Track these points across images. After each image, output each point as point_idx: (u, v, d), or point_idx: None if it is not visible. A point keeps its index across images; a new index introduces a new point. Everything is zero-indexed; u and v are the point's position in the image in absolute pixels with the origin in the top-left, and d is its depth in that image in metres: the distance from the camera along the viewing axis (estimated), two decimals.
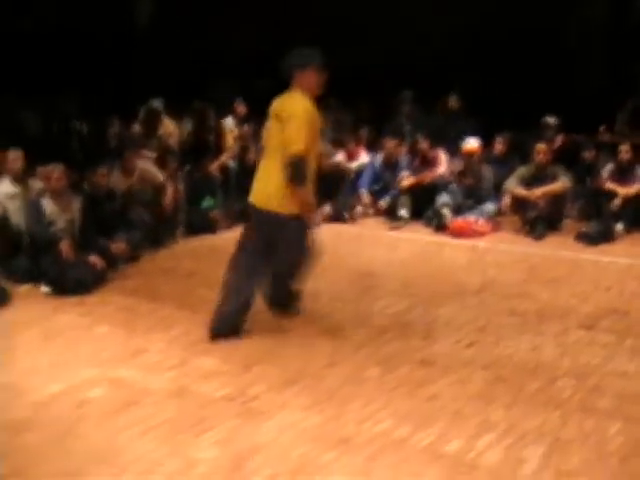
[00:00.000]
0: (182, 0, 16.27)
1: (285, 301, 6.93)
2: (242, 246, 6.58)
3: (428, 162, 11.94)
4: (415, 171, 11.85)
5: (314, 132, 6.19)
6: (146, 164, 10.33)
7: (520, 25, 14.00)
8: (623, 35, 14.22)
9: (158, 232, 9.98)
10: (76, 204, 8.58)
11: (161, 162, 10.81)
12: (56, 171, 8.44)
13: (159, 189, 10.16)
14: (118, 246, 8.80)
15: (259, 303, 6.83)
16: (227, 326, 6.48)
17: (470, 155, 11.24)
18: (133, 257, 9.14)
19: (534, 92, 13.39)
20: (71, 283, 7.85)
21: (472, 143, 11.27)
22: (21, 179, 8.99)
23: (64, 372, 5.81)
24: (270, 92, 6.36)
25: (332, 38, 15.35)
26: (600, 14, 14.66)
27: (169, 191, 10.19)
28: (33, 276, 8.15)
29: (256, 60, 15.76)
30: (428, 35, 14.55)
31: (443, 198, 11.11)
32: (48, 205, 8.40)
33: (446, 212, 10.91)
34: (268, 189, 6.31)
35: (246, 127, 12.95)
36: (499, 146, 12.09)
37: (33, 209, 8.42)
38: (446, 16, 14.50)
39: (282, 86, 6.23)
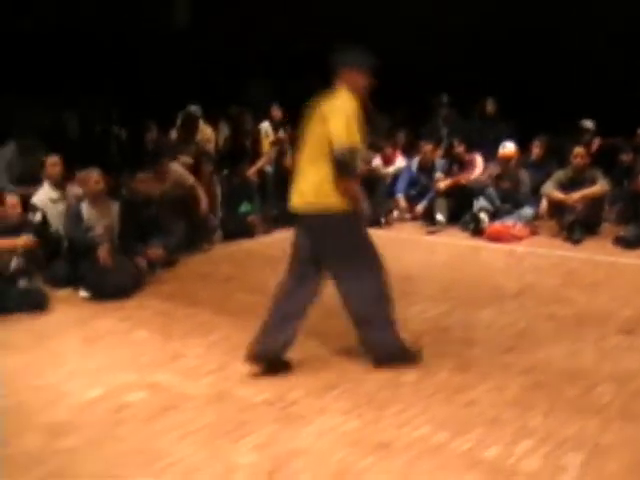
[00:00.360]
0: (220, 3, 16.30)
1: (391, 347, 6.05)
2: (289, 267, 6.03)
3: (464, 166, 11.93)
4: (451, 175, 11.84)
5: (358, 129, 5.70)
6: (175, 166, 10.33)
7: (553, 27, 13.94)
8: None
9: (194, 236, 10.03)
10: (114, 209, 8.63)
11: (196, 167, 10.85)
12: (94, 175, 8.50)
13: (191, 192, 10.16)
14: (155, 251, 8.84)
15: None
16: (268, 356, 5.90)
17: (507, 159, 11.21)
18: (170, 262, 9.18)
19: (571, 95, 13.34)
20: (110, 288, 7.92)
21: (509, 147, 11.24)
22: (60, 184, 9.08)
23: (103, 376, 5.85)
24: (307, 93, 6.27)
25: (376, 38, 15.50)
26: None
27: (203, 196, 10.19)
28: (72, 281, 8.22)
29: (295, 60, 15.88)
30: (460, 39, 14.54)
31: (480, 202, 11.09)
32: (87, 210, 8.46)
33: (484, 216, 10.88)
34: (311, 189, 5.74)
35: (282, 132, 13.00)
36: (536, 150, 12.03)
37: (72, 214, 8.48)
38: (477, 18, 14.46)
39: (323, 85, 6.11)
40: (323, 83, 6.04)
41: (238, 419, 5.07)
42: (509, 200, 11.15)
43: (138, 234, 8.77)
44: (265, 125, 13.08)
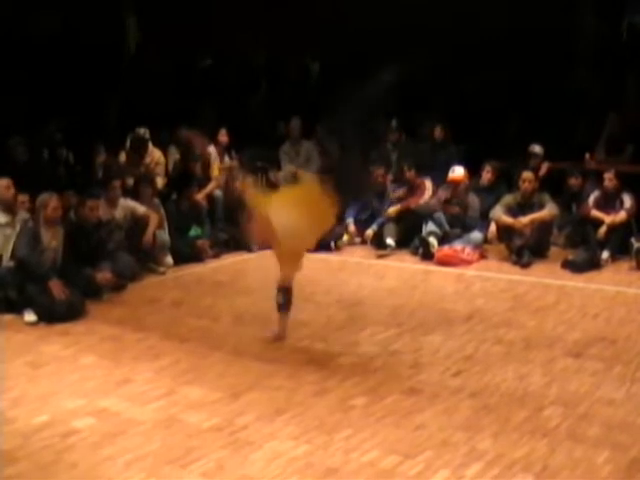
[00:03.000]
0: (169, 25, 16.24)
1: None
2: None
3: (414, 190, 11.96)
4: (401, 200, 11.87)
5: None
6: (123, 201, 10.19)
7: (502, 53, 14.07)
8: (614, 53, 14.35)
9: (143, 260, 9.97)
10: (61, 234, 8.55)
11: (135, 189, 10.73)
12: (54, 201, 8.42)
13: (143, 221, 10.06)
14: (104, 275, 8.75)
15: (249, 333, 6.88)
16: None
17: (456, 184, 11.24)
18: (119, 286, 9.09)
19: (520, 120, 13.46)
20: (61, 308, 7.84)
21: (458, 172, 11.26)
22: (11, 208, 8.94)
23: (50, 402, 5.78)
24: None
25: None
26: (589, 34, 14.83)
27: (153, 224, 10.10)
28: (17, 305, 8.09)
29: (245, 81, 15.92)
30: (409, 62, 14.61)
31: (430, 226, 11.11)
32: (44, 234, 8.37)
33: (433, 240, 10.90)
34: None
35: (227, 157, 12.98)
36: (487, 175, 12.04)
37: (30, 237, 8.31)
38: (427, 43, 14.54)
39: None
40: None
41: (186, 445, 5.03)
42: (458, 224, 11.19)
43: (86, 258, 8.70)
44: (210, 149, 12.98)
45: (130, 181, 11.20)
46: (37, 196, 8.64)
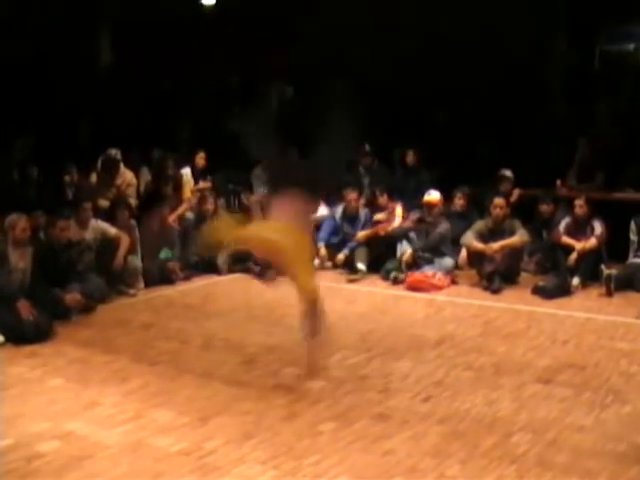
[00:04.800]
0: (142, 44, 16.20)
1: None
2: None
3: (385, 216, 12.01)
4: (373, 225, 11.91)
5: None
6: (95, 222, 10.17)
7: (474, 78, 14.15)
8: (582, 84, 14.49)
9: (113, 283, 9.93)
10: (29, 254, 8.51)
11: (112, 213, 10.72)
12: (22, 222, 8.40)
13: (114, 242, 10.04)
14: (73, 297, 8.71)
15: (219, 356, 6.82)
16: None
17: (431, 206, 11.26)
18: (88, 308, 9.04)
19: (492, 146, 13.54)
20: (29, 329, 7.79)
21: (434, 195, 11.29)
22: None
23: (16, 425, 5.71)
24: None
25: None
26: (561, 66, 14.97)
27: (124, 245, 10.08)
28: None
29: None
30: (380, 88, 14.66)
31: (404, 246, 11.17)
32: (11, 255, 8.34)
33: (404, 266, 10.93)
34: None
35: (201, 181, 12.97)
36: (459, 201, 12.08)
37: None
38: (401, 69, 14.61)
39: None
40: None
41: (154, 470, 4.98)
42: (429, 249, 11.21)
43: (55, 279, 8.65)
44: (186, 171, 12.97)
45: (102, 202, 11.18)
46: (5, 216, 8.60)
